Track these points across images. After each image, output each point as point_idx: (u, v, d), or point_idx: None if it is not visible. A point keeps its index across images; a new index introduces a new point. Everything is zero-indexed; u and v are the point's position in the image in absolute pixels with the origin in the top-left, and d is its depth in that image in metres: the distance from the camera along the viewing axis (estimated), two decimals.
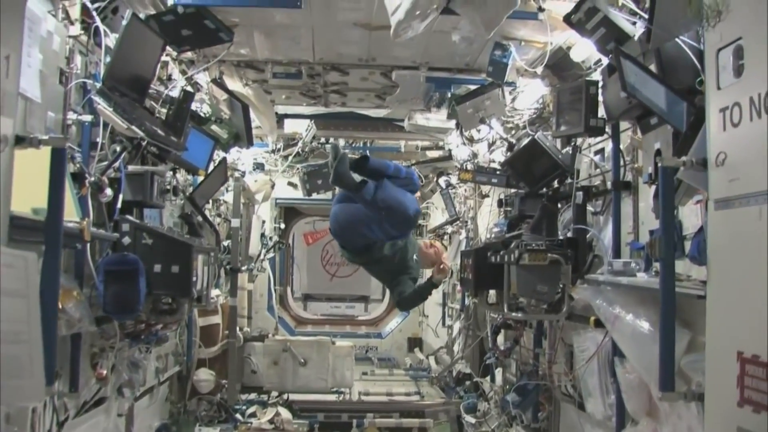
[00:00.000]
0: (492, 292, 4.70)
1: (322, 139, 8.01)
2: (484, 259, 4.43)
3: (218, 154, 5.61)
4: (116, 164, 3.72)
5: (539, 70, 4.71)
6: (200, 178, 5.42)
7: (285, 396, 7.40)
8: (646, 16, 3.07)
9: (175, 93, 4.53)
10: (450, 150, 7.62)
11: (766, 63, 2.07)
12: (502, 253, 4.16)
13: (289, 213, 10.39)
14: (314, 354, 7.53)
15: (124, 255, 3.66)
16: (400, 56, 5.24)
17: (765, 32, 2.07)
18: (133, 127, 3.49)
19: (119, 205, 3.78)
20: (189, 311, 5.47)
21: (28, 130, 2.85)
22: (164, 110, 4.38)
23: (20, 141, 2.49)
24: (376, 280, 10.22)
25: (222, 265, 6.75)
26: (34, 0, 2.89)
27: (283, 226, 9.90)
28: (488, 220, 6.43)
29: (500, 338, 5.87)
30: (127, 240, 3.78)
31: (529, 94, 5.28)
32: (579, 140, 4.43)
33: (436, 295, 7.94)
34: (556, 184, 4.58)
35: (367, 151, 8.09)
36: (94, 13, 3.46)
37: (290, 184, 9.05)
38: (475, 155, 6.81)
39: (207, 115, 5.43)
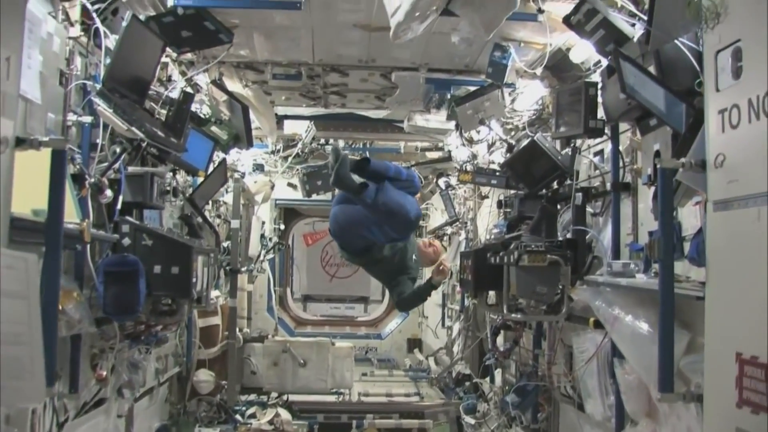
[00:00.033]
0: (491, 293, 4.70)
1: (322, 140, 8.02)
2: (484, 260, 4.43)
3: (218, 155, 5.61)
4: (116, 165, 3.72)
5: (539, 71, 4.71)
6: (200, 179, 5.42)
7: (285, 397, 7.40)
8: (646, 18, 3.08)
9: (174, 94, 4.54)
10: (449, 151, 7.62)
11: (764, 65, 2.07)
12: (501, 254, 4.16)
13: (288, 214, 10.40)
14: (314, 355, 7.53)
15: (124, 256, 3.67)
16: (399, 57, 5.24)
17: (764, 34, 2.07)
18: (133, 129, 3.50)
19: (119, 206, 3.78)
20: (189, 312, 5.47)
21: (28, 131, 2.85)
22: (164, 111, 4.38)
23: (21, 142, 2.50)
24: (375, 281, 10.25)
25: (222, 266, 6.75)
26: (34, 1, 2.89)
27: (282, 227, 9.89)
28: (488, 221, 6.43)
29: (500, 339, 5.87)
30: (127, 241, 3.78)
31: (529, 95, 5.29)
32: (578, 141, 4.44)
33: (435, 296, 7.94)
34: (555, 185, 4.59)
35: (367, 153, 8.10)
36: (94, 15, 3.45)
37: (290, 185, 9.06)
38: (474, 156, 6.82)
39: (207, 117, 5.43)
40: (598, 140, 4.27)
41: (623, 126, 3.86)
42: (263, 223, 8.62)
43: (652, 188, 3.26)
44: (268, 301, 9.52)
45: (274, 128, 6.65)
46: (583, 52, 4.19)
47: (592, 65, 4.21)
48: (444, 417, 7.27)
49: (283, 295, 10.50)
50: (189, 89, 4.88)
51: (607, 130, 3.94)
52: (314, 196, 8.32)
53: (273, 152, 8.06)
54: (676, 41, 2.87)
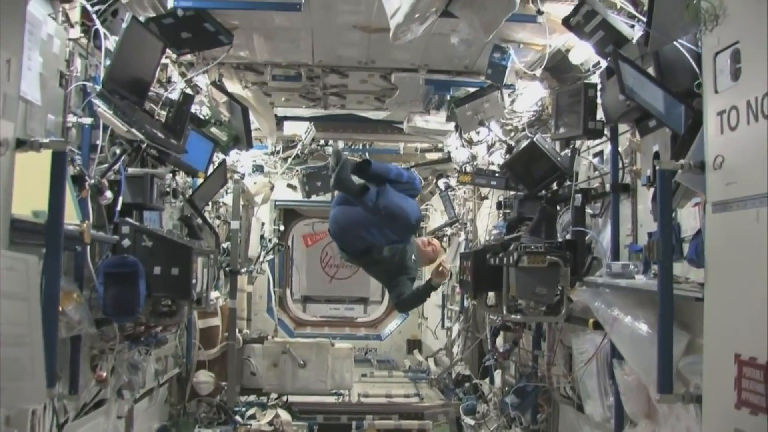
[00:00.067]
0: (491, 294, 4.71)
1: (322, 141, 8.02)
2: (483, 261, 4.43)
3: (218, 157, 5.61)
4: (116, 167, 3.73)
5: (538, 72, 4.72)
6: (200, 181, 5.43)
7: (284, 398, 7.40)
8: (645, 20, 3.09)
9: (174, 95, 4.55)
10: (449, 152, 7.63)
11: (763, 67, 2.08)
12: (501, 255, 4.17)
13: (288, 215, 10.40)
14: (313, 356, 7.53)
15: (123, 257, 3.67)
16: (399, 59, 5.24)
17: (762, 36, 2.08)
18: (133, 130, 3.50)
19: (119, 207, 3.79)
20: (188, 313, 5.48)
21: (28, 133, 2.86)
22: (164, 113, 4.39)
23: (21, 144, 2.50)
24: (375, 282, 10.26)
25: (221, 267, 6.75)
26: (34, 3, 2.90)
27: (282, 228, 9.90)
28: (487, 222, 6.44)
29: (499, 340, 5.88)
30: (126, 242, 3.79)
31: (528, 96, 5.29)
32: (578, 143, 4.44)
33: (435, 297, 7.95)
34: (555, 186, 4.59)
35: (366, 154, 8.11)
36: (94, 16, 3.46)
37: (289, 186, 9.06)
38: (474, 157, 6.82)
39: (206, 118, 5.44)
40: (598, 141, 4.27)
41: (622, 127, 3.86)
42: (263, 224, 8.62)
43: (652, 189, 3.26)
44: (267, 302, 9.52)
45: (273, 129, 6.66)
46: (583, 53, 4.19)
47: (592, 66, 4.21)
48: (443, 418, 7.27)
49: (282, 296, 10.50)
50: (189, 90, 4.89)
51: (606, 132, 3.95)
52: (314, 197, 8.33)
53: (273, 153, 8.07)
54: (675, 43, 2.88)
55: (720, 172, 2.30)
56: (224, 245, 6.88)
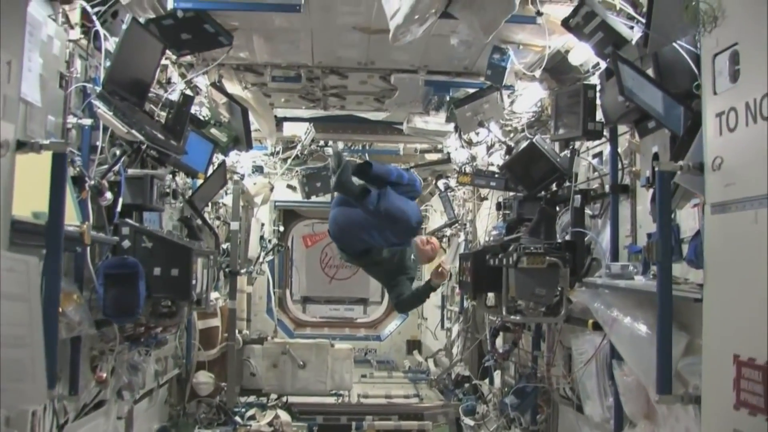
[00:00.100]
0: (490, 294, 4.70)
1: (321, 142, 8.02)
2: (483, 262, 4.44)
3: (217, 158, 5.62)
4: (116, 168, 3.73)
5: (537, 73, 4.72)
6: (199, 182, 5.43)
7: (284, 398, 7.40)
8: (644, 21, 3.09)
9: (174, 96, 4.55)
10: (449, 153, 7.63)
11: (761, 68, 2.09)
12: (500, 256, 4.17)
13: (288, 215, 10.41)
14: (313, 356, 7.54)
15: (123, 258, 3.67)
16: (398, 60, 5.25)
17: (761, 38, 2.08)
18: (133, 131, 3.51)
19: (119, 208, 3.79)
20: (188, 314, 5.48)
21: (28, 134, 2.86)
22: (164, 114, 4.39)
23: (21, 146, 2.50)
24: (375, 283, 10.27)
25: (221, 268, 6.76)
26: (34, 4, 2.90)
27: (282, 228, 9.91)
28: (487, 223, 6.44)
29: (499, 341, 5.88)
30: (126, 243, 3.79)
31: (528, 97, 5.30)
32: (577, 143, 4.44)
33: (434, 298, 7.95)
34: (554, 187, 4.60)
35: (366, 155, 8.11)
36: (94, 17, 3.47)
37: (289, 186, 9.07)
38: (473, 158, 6.83)
39: (206, 119, 5.44)
40: (597, 142, 4.28)
41: (622, 128, 3.87)
42: (262, 224, 8.63)
43: (651, 190, 3.27)
44: (267, 302, 9.52)
45: (273, 130, 6.66)
46: (582, 54, 4.20)
47: (591, 68, 4.22)
48: (443, 418, 7.27)
49: (282, 296, 10.50)
50: (188, 92, 4.89)
51: (605, 133, 3.95)
52: (313, 198, 8.33)
53: (272, 154, 8.07)
54: (674, 44, 2.88)
55: (719, 173, 2.31)
56: (224, 246, 6.88)
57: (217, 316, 6.74)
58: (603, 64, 3.81)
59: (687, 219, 3.06)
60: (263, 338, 7.78)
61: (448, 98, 5.64)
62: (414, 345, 10.26)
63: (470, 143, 6.47)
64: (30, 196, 2.69)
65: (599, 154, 4.31)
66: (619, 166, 3.85)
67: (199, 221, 5.52)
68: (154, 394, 5.42)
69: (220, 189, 6.27)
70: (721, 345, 2.25)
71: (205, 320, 6.54)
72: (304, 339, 8.43)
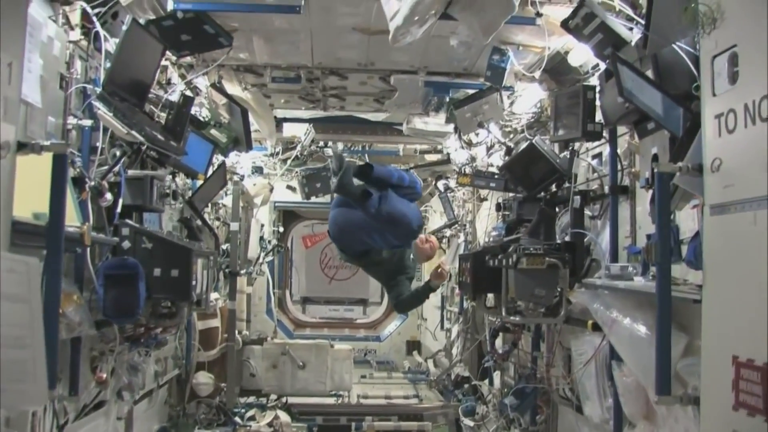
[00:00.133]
0: (490, 295, 4.70)
1: (321, 143, 8.03)
2: (483, 262, 4.44)
3: (217, 158, 5.62)
4: (116, 169, 3.73)
5: (537, 74, 4.73)
6: (199, 182, 5.43)
7: (284, 399, 7.40)
8: (643, 22, 3.09)
9: (174, 97, 4.55)
10: (448, 154, 7.64)
11: (760, 70, 2.09)
12: (500, 256, 4.18)
13: (287, 216, 10.40)
14: (313, 357, 7.54)
15: (123, 259, 3.68)
16: (398, 61, 5.25)
17: (760, 39, 2.09)
18: (133, 132, 3.51)
19: (119, 209, 3.79)
20: (188, 315, 5.48)
21: (28, 135, 2.87)
22: (164, 114, 4.40)
23: (22, 147, 2.51)
24: (374, 283, 10.28)
25: (221, 269, 6.76)
26: (34, 5, 2.91)
27: (281, 229, 9.91)
28: (486, 223, 6.45)
29: (498, 341, 5.88)
30: (126, 244, 3.79)
31: (527, 98, 5.30)
32: (577, 144, 4.44)
33: (434, 299, 7.95)
34: (554, 188, 4.60)
35: (366, 155, 8.11)
36: (94, 18, 3.47)
37: (289, 187, 9.06)
38: (473, 159, 6.83)
39: (206, 120, 5.44)
40: (597, 143, 4.28)
41: (621, 129, 3.87)
42: (262, 225, 8.63)
43: (650, 191, 3.27)
44: (267, 303, 9.52)
45: (273, 131, 6.66)
46: (582, 55, 4.20)
47: (591, 69, 4.22)
48: (443, 419, 7.27)
49: (282, 297, 10.49)
50: (188, 92, 4.90)
51: (605, 134, 3.96)
52: (313, 199, 8.32)
53: (272, 155, 8.07)
54: (673, 46, 2.89)
55: (718, 174, 2.31)
56: (224, 247, 6.89)
57: (216, 317, 6.74)
58: (602, 66, 3.81)
59: (686, 220, 3.06)
60: (263, 339, 7.78)
61: (447, 99, 5.64)
62: (414, 346, 10.26)
63: (470, 144, 6.48)
64: (30, 197, 2.70)
65: (599, 155, 4.32)
66: (619, 167, 3.86)
67: (198, 222, 5.52)
68: (153, 394, 5.42)
69: (220, 190, 6.27)
70: (720, 346, 2.26)
71: (204, 321, 6.54)
72: (304, 339, 8.44)
